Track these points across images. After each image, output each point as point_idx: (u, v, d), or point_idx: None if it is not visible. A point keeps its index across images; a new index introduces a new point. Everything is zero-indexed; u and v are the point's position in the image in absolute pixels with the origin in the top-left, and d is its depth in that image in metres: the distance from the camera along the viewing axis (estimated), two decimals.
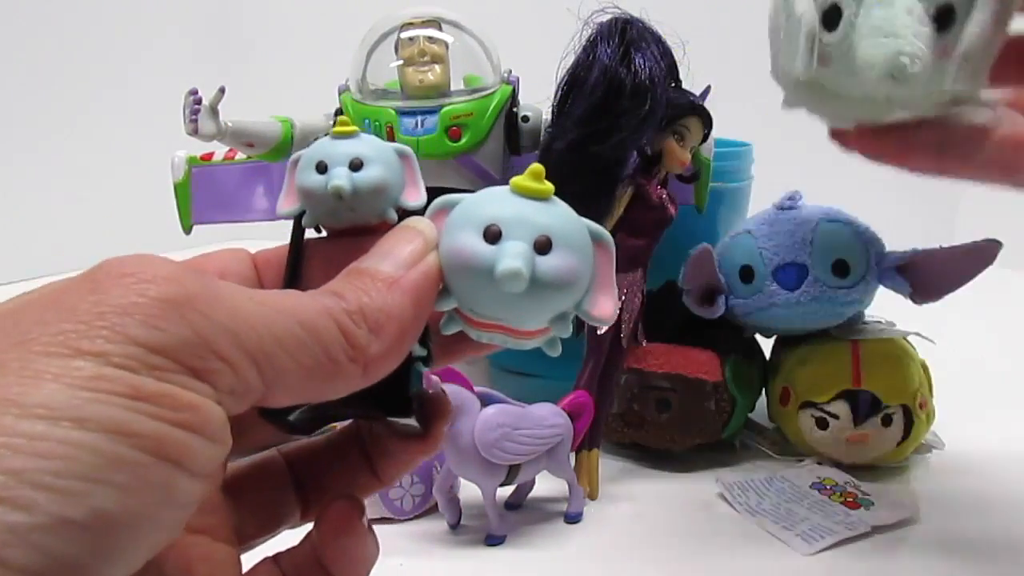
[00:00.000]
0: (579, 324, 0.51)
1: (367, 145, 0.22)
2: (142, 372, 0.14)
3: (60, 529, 0.13)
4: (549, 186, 0.19)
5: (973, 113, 0.31)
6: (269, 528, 0.22)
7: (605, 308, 0.19)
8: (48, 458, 0.13)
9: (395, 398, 0.20)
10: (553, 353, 0.20)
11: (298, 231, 0.23)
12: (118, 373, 0.14)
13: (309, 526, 0.22)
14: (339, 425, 0.24)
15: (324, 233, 0.24)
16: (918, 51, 0.31)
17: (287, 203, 0.23)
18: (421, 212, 0.21)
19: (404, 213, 0.23)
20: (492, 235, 0.18)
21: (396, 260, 0.19)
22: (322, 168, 0.22)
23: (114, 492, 0.13)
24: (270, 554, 0.22)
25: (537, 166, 0.19)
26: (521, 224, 0.18)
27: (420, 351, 0.21)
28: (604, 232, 0.19)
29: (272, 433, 0.22)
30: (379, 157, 0.22)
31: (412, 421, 0.21)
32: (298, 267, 0.22)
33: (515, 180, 0.19)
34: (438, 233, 0.20)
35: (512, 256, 0.17)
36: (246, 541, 0.22)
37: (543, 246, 0.18)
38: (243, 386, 0.16)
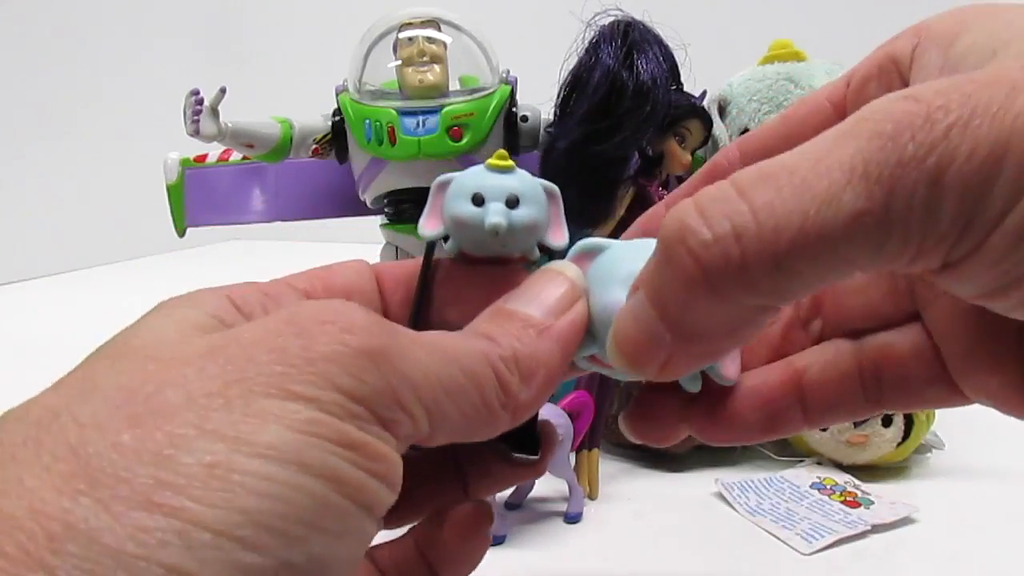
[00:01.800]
0: None
1: (522, 181, 0.22)
2: (346, 420, 0.14)
3: (284, 572, 0.13)
4: None
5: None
6: None
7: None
8: (275, 500, 0.13)
9: (526, 437, 0.21)
10: (693, 389, 0.21)
11: (431, 252, 0.23)
12: (329, 419, 0.14)
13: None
14: None
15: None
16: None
17: (431, 225, 0.22)
18: (563, 253, 0.22)
19: (543, 249, 0.23)
20: None
21: (545, 305, 0.19)
22: (478, 200, 0.21)
23: (327, 539, 0.14)
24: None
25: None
26: None
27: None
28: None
29: None
30: (532, 195, 0.22)
31: (535, 456, 0.22)
32: (429, 288, 0.22)
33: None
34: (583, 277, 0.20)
35: None
36: None
37: None
38: (416, 434, 0.16)
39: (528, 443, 0.22)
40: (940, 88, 0.15)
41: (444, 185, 0.23)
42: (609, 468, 0.48)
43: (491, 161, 0.22)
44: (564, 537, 0.42)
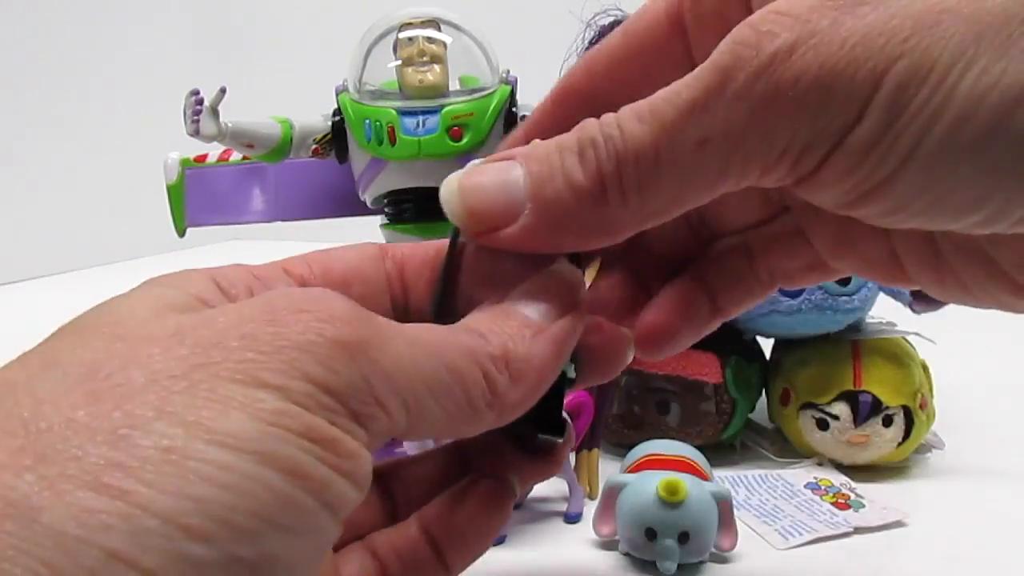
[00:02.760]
0: None
1: None
2: (316, 412, 0.14)
3: (231, 567, 0.13)
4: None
5: None
6: (350, 534, 0.22)
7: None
8: (231, 491, 0.13)
9: (551, 418, 0.21)
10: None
11: (458, 232, 0.22)
12: (297, 410, 0.14)
13: None
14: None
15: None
16: None
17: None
18: None
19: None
20: None
21: (544, 307, 0.19)
22: None
23: (282, 535, 0.13)
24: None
25: None
26: None
27: (572, 373, 0.21)
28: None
29: None
30: None
31: (560, 438, 0.22)
32: (456, 270, 0.22)
33: None
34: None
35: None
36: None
37: None
38: (392, 429, 0.16)
39: (552, 425, 0.21)
40: (770, 13, 0.16)
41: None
42: (609, 468, 0.48)
43: None
44: (564, 537, 0.42)
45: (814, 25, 0.16)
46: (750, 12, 0.18)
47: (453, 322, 0.20)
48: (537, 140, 0.19)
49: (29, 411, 0.13)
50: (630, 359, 0.23)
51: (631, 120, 0.17)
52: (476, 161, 0.20)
